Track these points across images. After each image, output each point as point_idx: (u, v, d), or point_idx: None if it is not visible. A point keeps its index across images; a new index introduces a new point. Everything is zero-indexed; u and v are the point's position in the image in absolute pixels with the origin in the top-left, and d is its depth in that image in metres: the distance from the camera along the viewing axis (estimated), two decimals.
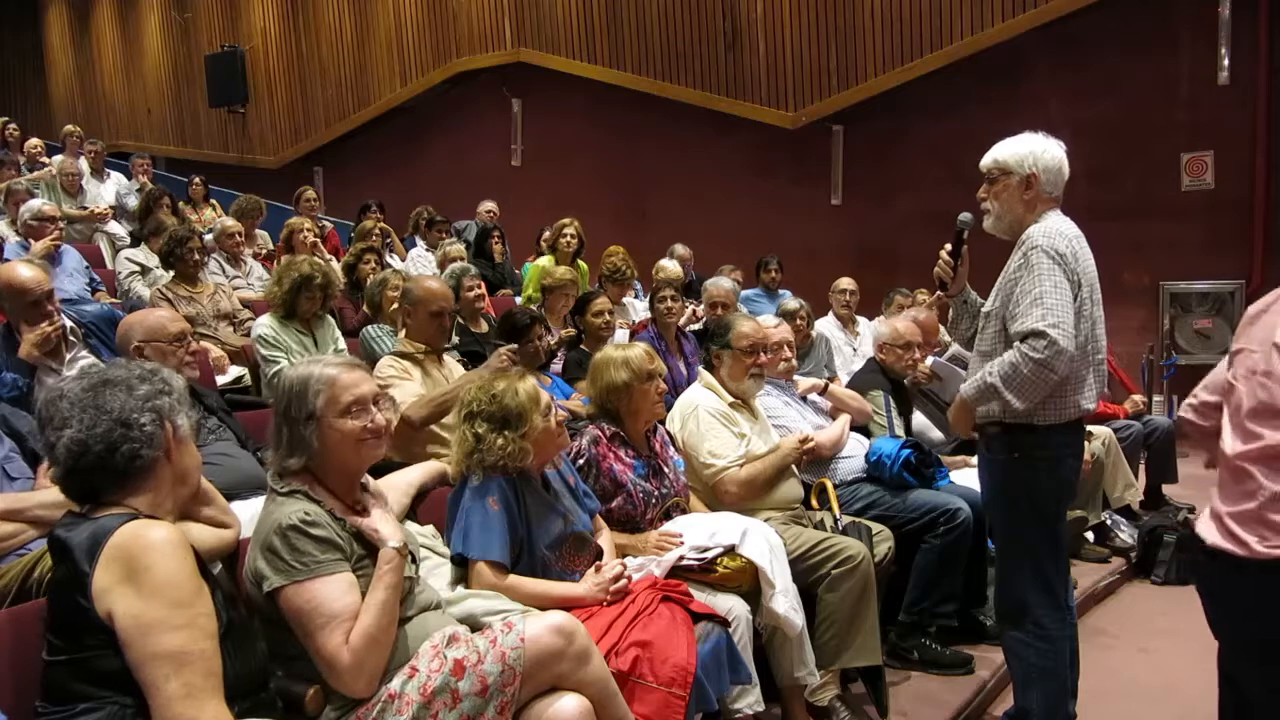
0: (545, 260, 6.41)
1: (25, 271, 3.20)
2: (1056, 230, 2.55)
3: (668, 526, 2.81)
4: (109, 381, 1.66)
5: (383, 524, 1.95)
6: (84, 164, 8.35)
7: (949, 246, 2.79)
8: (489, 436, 2.41)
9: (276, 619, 1.82)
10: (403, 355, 3.44)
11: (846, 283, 6.29)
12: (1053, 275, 2.46)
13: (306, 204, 7.74)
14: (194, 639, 1.49)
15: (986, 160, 2.70)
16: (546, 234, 7.13)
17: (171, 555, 1.52)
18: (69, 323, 3.33)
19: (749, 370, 3.30)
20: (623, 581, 2.36)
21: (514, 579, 2.33)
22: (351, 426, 1.95)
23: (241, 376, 4.32)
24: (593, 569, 2.42)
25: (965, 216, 2.77)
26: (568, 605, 2.23)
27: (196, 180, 8.64)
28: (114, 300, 5.16)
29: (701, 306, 5.50)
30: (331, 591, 1.80)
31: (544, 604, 2.23)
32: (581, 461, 2.83)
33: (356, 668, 1.77)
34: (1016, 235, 2.64)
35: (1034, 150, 2.64)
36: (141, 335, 2.81)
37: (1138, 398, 5.53)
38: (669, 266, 6.33)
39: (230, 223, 6.03)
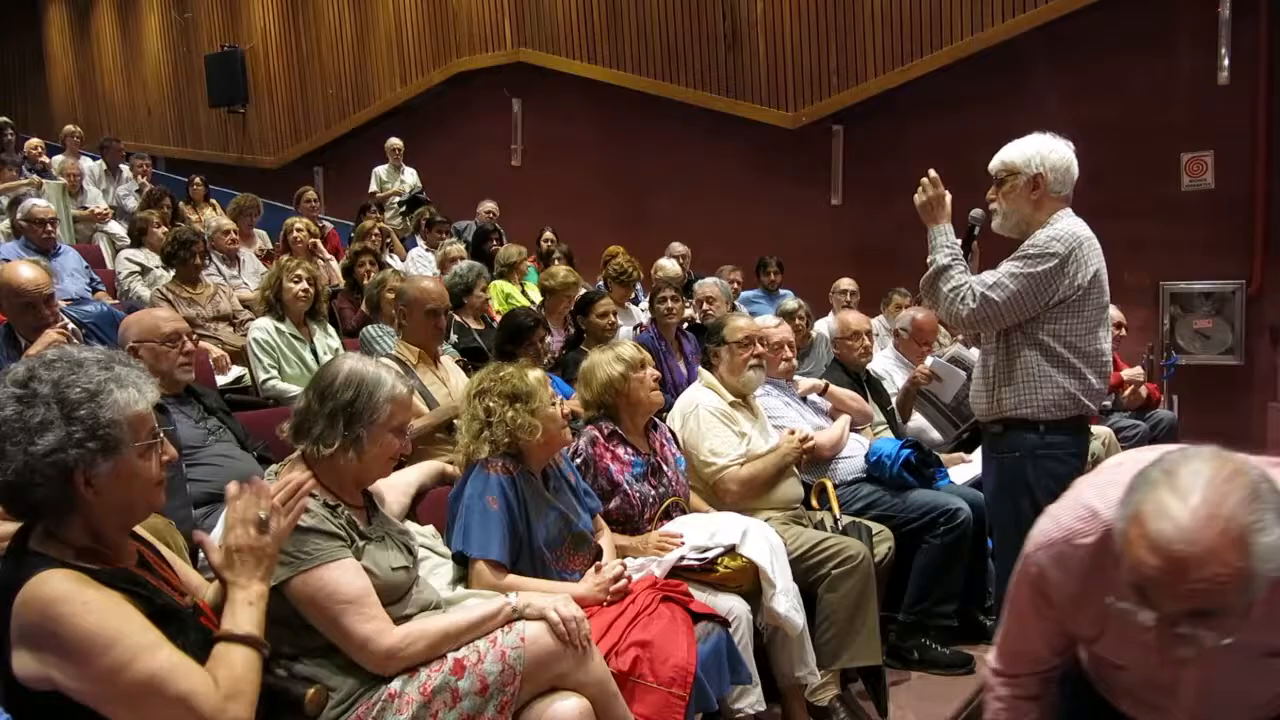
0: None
1: (26, 273, 3.19)
2: (1065, 233, 2.58)
3: (668, 527, 2.82)
4: (1, 434, 1.42)
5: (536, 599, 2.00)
6: (86, 163, 8.38)
7: (959, 242, 2.81)
8: (499, 409, 2.45)
9: (281, 616, 1.83)
10: (399, 360, 3.41)
11: (847, 283, 6.30)
12: (1035, 274, 2.54)
13: (307, 204, 7.74)
14: (151, 657, 1.40)
15: (994, 163, 2.73)
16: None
17: (69, 605, 1.38)
18: (70, 324, 3.34)
19: (747, 362, 3.30)
20: (623, 582, 2.36)
21: (513, 578, 2.33)
22: (394, 445, 2.01)
23: (241, 376, 4.32)
24: (593, 569, 2.42)
25: (976, 213, 2.81)
26: None
27: (197, 180, 8.65)
28: (114, 300, 5.16)
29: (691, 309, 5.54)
30: (342, 576, 1.81)
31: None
32: (579, 461, 2.84)
33: (395, 657, 1.81)
34: (1025, 235, 2.67)
35: (1040, 150, 2.65)
36: (136, 335, 2.81)
37: (1127, 373, 5.48)
38: (668, 266, 6.33)
39: (224, 221, 6.03)
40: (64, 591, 1.39)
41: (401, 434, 2.03)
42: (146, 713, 1.40)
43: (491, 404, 2.48)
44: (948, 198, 2.77)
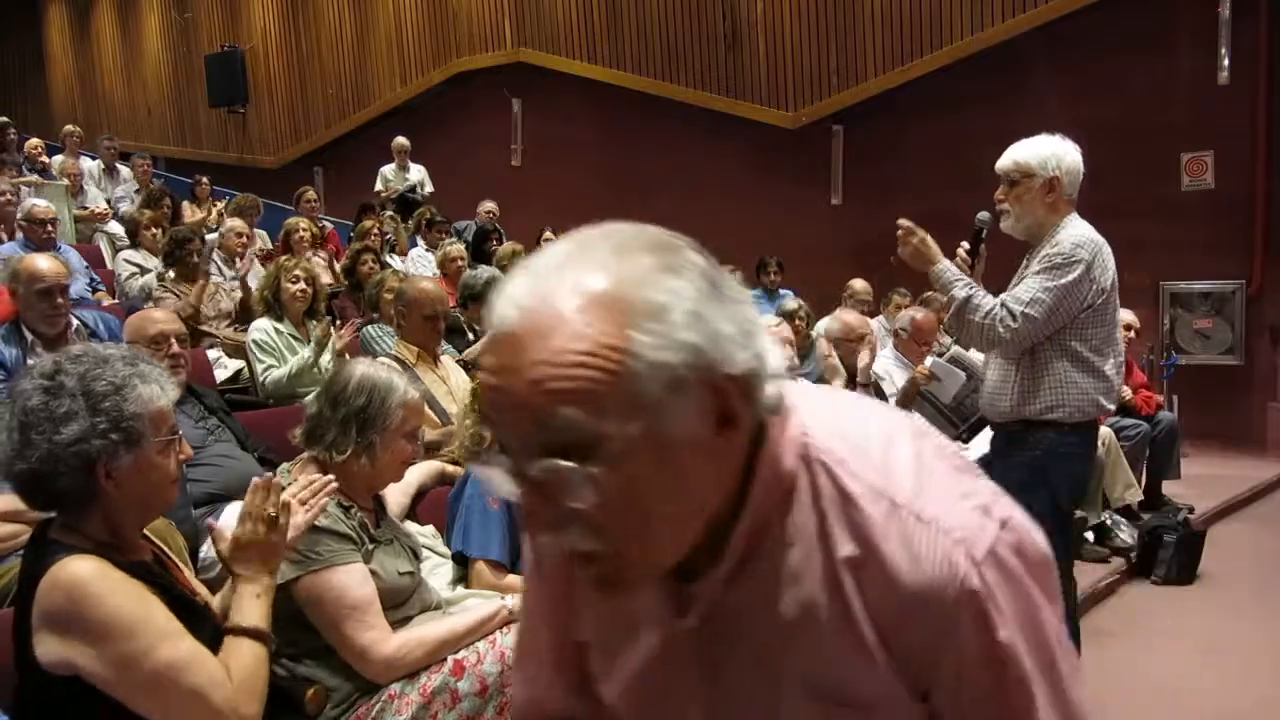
0: None
1: (44, 263, 3.33)
2: (1086, 238, 2.59)
3: None
4: (27, 424, 1.45)
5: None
6: (86, 163, 8.38)
7: (966, 245, 2.79)
8: (465, 419, 2.54)
9: (286, 614, 1.83)
10: (398, 360, 3.41)
11: (860, 285, 6.16)
12: (1067, 283, 2.54)
13: (307, 204, 7.74)
14: (173, 646, 1.43)
15: (1005, 162, 2.69)
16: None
17: (96, 587, 1.41)
18: (75, 322, 3.41)
19: None
20: None
21: (513, 578, 2.33)
22: (406, 450, 2.02)
23: (240, 370, 4.32)
24: None
25: (984, 215, 2.78)
26: None
27: (204, 180, 8.65)
28: (113, 300, 5.17)
29: None
30: (349, 581, 1.82)
31: None
32: None
33: (392, 666, 1.81)
34: (1036, 237, 2.67)
35: (1056, 153, 2.65)
36: (128, 335, 2.84)
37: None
38: None
39: (237, 223, 6.03)
40: (91, 574, 1.42)
41: (414, 439, 2.04)
42: (163, 700, 1.42)
43: (460, 409, 2.57)
44: (929, 238, 2.74)
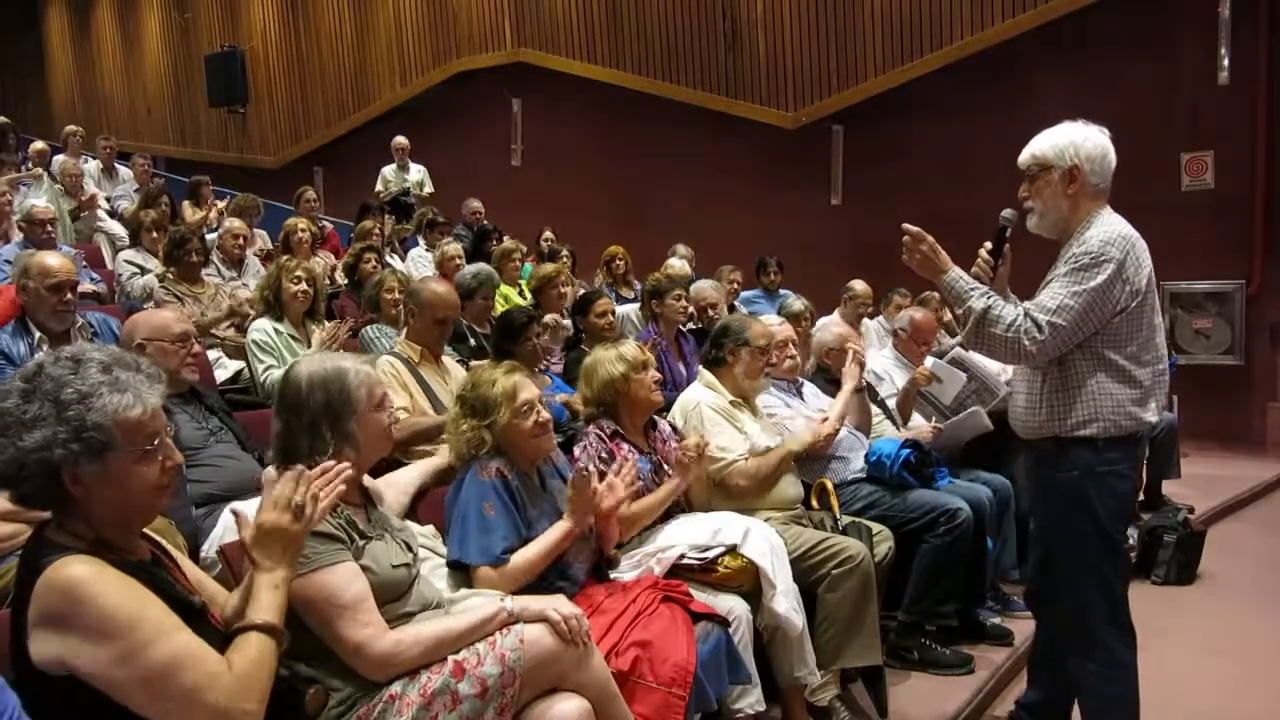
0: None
1: (56, 258, 3.46)
2: (1116, 234, 2.40)
3: (668, 527, 2.82)
4: (2, 425, 1.45)
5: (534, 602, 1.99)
6: (87, 163, 8.38)
7: (989, 245, 2.57)
8: (460, 420, 2.49)
9: (286, 616, 1.83)
10: (401, 358, 3.41)
11: (861, 287, 6.13)
12: (1097, 286, 2.34)
13: (307, 204, 7.73)
14: (169, 641, 1.42)
15: (1024, 157, 2.53)
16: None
17: (91, 586, 1.40)
18: (81, 320, 3.46)
19: (763, 369, 3.36)
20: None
21: (508, 565, 2.31)
22: (382, 419, 2.02)
23: (240, 370, 4.32)
24: (569, 484, 2.46)
25: (1008, 213, 2.59)
26: (561, 549, 2.38)
27: (208, 182, 8.64)
28: (97, 287, 5.20)
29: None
30: (338, 581, 1.81)
31: (538, 566, 2.33)
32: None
33: (389, 664, 1.80)
34: (1065, 234, 2.50)
35: (1074, 140, 2.47)
36: (145, 333, 2.83)
37: None
38: (678, 266, 6.36)
39: (235, 224, 6.02)
40: (86, 573, 1.41)
41: (384, 406, 2.04)
42: (161, 695, 1.41)
43: (455, 412, 2.53)
44: (936, 244, 2.52)
